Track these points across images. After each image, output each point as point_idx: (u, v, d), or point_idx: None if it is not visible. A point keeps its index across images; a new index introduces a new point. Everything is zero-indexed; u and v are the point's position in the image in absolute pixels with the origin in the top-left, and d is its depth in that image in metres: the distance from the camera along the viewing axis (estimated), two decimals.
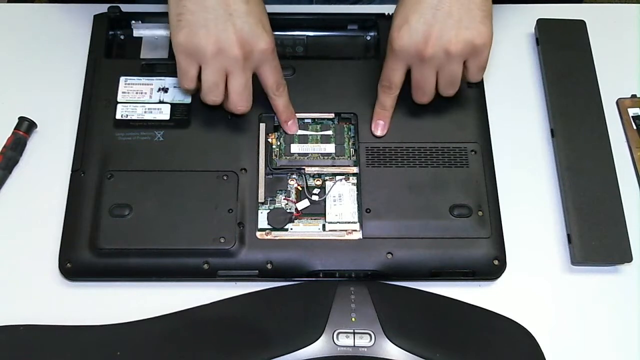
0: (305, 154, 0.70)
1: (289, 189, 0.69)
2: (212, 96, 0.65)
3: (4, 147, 0.71)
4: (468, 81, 0.67)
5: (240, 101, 0.66)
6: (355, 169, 0.69)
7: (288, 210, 0.68)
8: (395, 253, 0.65)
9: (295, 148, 0.70)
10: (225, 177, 0.68)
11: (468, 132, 0.70)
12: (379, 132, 0.70)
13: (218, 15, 0.61)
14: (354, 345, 0.60)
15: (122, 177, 0.67)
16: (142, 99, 0.72)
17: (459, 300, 0.65)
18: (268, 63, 0.65)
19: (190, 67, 0.64)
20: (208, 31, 0.61)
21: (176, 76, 0.65)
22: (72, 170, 0.68)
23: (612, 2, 0.75)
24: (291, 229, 0.67)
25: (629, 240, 0.66)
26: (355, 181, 0.69)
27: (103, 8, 0.76)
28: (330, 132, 0.71)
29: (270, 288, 0.65)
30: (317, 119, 0.72)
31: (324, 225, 0.67)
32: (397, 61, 0.65)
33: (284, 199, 0.68)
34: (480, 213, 0.67)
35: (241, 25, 0.62)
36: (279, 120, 0.70)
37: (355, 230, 0.66)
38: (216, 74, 0.64)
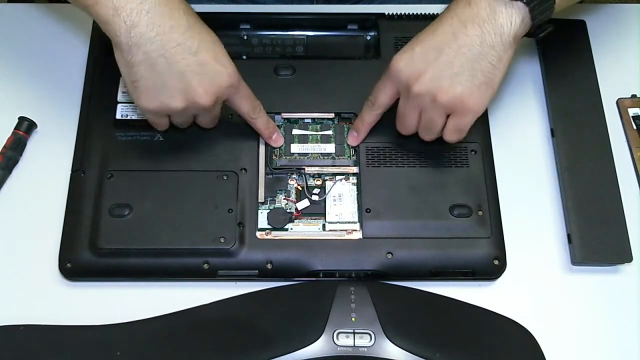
0: (305, 154, 0.70)
1: (289, 188, 0.69)
2: (182, 126, 0.68)
3: (4, 147, 0.71)
4: (444, 138, 0.65)
5: (210, 125, 0.68)
6: (355, 169, 0.69)
7: (288, 210, 0.68)
8: (395, 253, 0.65)
9: (295, 148, 0.70)
10: (225, 177, 0.68)
11: (468, 132, 0.70)
12: (352, 142, 0.70)
13: (172, 76, 0.60)
14: (354, 345, 0.60)
15: (122, 177, 0.67)
16: None
17: (459, 300, 0.65)
18: (237, 94, 0.64)
19: (161, 119, 0.65)
20: (168, 92, 0.61)
21: None
22: (72, 170, 0.68)
23: (612, 2, 0.75)
24: (291, 229, 0.67)
25: (629, 240, 0.66)
26: (355, 181, 0.69)
27: None
28: (330, 132, 0.71)
29: (270, 288, 0.65)
30: (317, 119, 0.72)
31: (324, 225, 0.67)
32: (388, 82, 0.64)
33: (284, 199, 0.68)
34: (480, 213, 0.67)
35: (199, 78, 0.61)
36: (263, 137, 0.69)
37: (355, 230, 0.66)
38: (187, 119, 0.66)
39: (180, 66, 0.60)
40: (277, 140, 0.70)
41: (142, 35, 0.59)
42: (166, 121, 0.66)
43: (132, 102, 0.71)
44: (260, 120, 0.68)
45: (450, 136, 0.65)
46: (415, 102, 0.63)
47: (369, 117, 0.68)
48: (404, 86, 0.63)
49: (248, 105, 0.66)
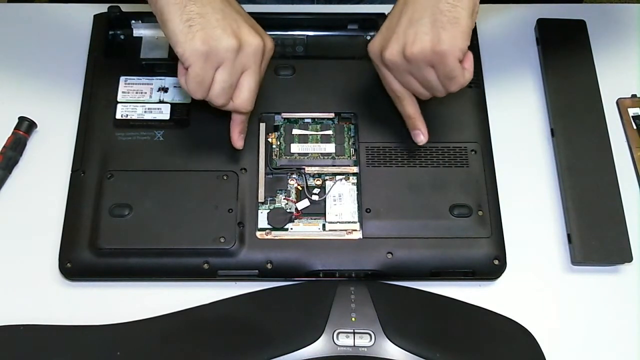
0: (305, 154, 0.70)
1: (289, 188, 0.69)
2: (221, 100, 0.62)
3: (4, 147, 0.71)
4: (447, 91, 0.63)
5: (250, 101, 0.63)
6: (355, 169, 0.69)
7: (288, 210, 0.68)
8: (395, 253, 0.65)
9: (295, 148, 0.70)
10: (225, 177, 0.68)
11: (468, 132, 0.70)
12: (421, 141, 0.68)
13: (227, 15, 0.61)
14: (354, 345, 0.60)
15: (122, 177, 0.67)
16: (142, 98, 0.72)
17: (459, 300, 0.65)
18: (263, 67, 0.63)
19: (208, 72, 0.61)
20: (224, 30, 0.60)
21: (176, 76, 0.65)
22: (72, 170, 0.68)
23: (612, 2, 0.75)
24: (291, 228, 0.67)
25: (629, 240, 0.66)
26: (355, 181, 0.69)
27: (103, 8, 0.76)
28: (330, 132, 0.71)
29: (270, 288, 0.65)
30: (317, 118, 0.72)
31: (324, 225, 0.67)
32: (379, 69, 0.65)
33: (284, 199, 0.68)
34: (480, 213, 0.67)
35: (251, 22, 0.63)
36: (233, 134, 0.67)
37: (355, 230, 0.66)
38: (233, 74, 0.61)
39: (233, 8, 0.62)
40: (240, 143, 0.68)
41: None
42: (210, 80, 0.61)
43: (132, 102, 0.71)
44: (245, 117, 0.66)
45: (448, 87, 0.63)
46: (399, 70, 0.63)
47: (406, 108, 0.67)
48: (381, 63, 0.64)
49: (256, 90, 0.64)
